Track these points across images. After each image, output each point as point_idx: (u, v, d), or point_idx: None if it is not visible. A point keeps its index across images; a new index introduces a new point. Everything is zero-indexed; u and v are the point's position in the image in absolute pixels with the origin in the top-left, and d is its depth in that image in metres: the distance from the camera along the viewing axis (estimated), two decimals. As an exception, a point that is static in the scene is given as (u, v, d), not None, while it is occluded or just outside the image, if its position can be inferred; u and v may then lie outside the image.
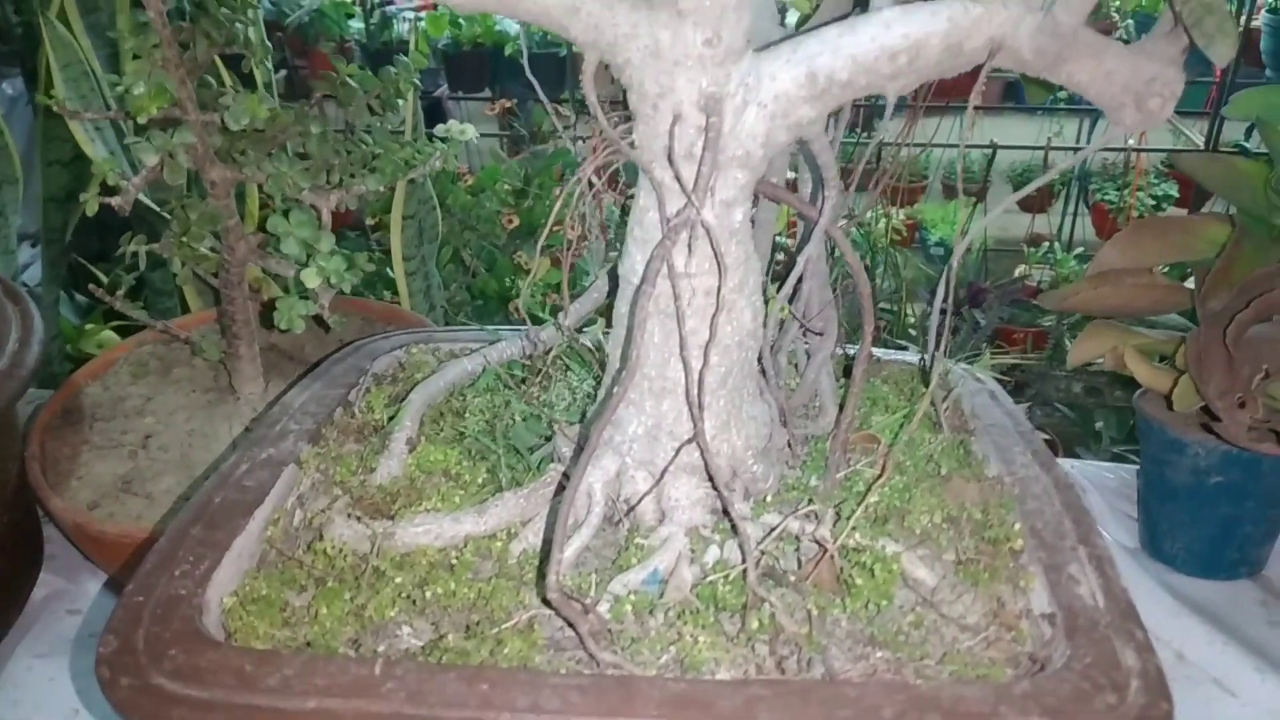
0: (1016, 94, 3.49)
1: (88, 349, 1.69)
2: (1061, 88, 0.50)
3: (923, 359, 0.73)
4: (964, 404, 0.69)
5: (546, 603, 0.48)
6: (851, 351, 0.76)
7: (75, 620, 0.80)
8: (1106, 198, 3.39)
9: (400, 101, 0.82)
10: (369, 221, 1.66)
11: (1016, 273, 2.84)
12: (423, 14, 3.66)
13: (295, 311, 0.67)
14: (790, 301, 0.62)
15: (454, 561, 0.54)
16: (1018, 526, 0.55)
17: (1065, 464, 1.02)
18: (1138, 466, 0.90)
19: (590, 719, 0.42)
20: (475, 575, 0.54)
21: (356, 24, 3.55)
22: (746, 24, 0.49)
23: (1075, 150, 3.10)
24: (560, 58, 2.93)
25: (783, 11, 0.67)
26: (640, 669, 0.46)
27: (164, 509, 0.77)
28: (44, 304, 1.57)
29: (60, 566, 0.84)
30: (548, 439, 0.63)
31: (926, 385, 0.67)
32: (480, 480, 0.60)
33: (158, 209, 1.04)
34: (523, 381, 0.68)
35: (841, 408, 0.62)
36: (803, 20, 0.72)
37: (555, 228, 0.61)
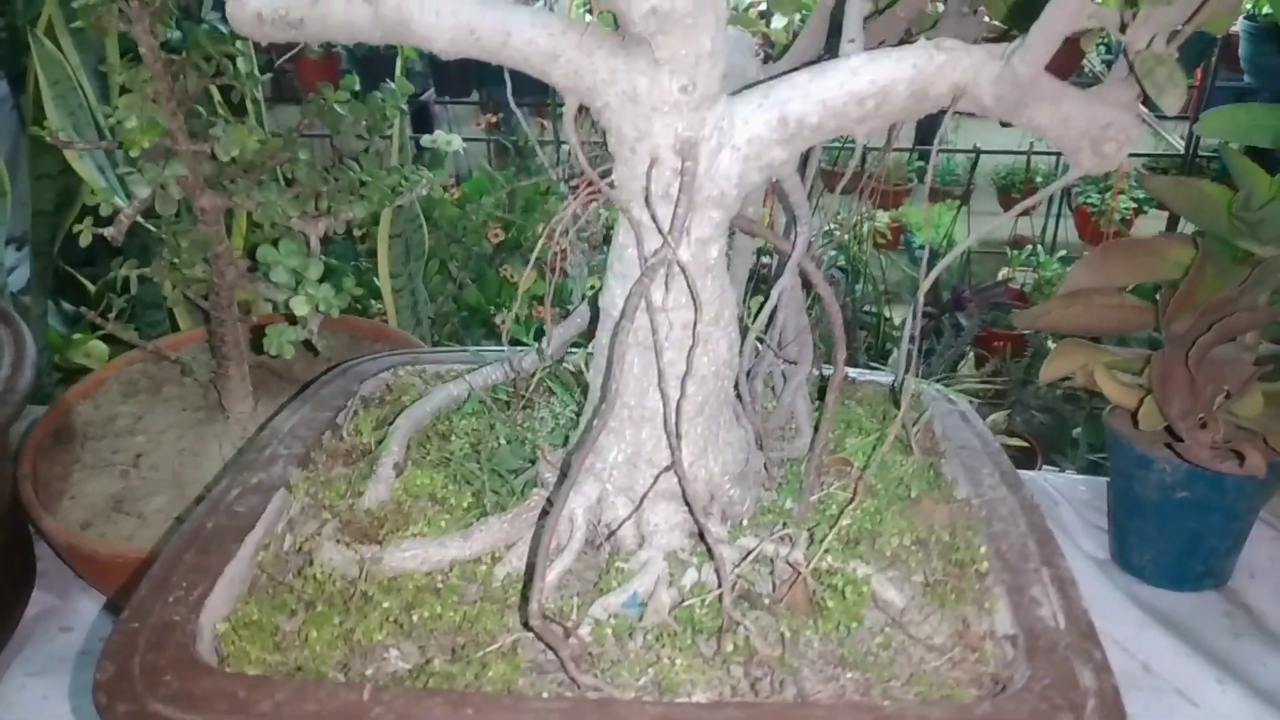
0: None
1: (75, 359, 1.70)
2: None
3: (893, 384, 0.75)
4: (935, 425, 0.71)
5: (529, 627, 0.50)
6: (829, 373, 0.78)
7: (68, 638, 0.81)
8: (1089, 201, 3.43)
9: (387, 124, 0.84)
10: (356, 231, 1.67)
11: (1000, 275, 2.87)
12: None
13: (285, 338, 0.68)
14: (766, 329, 0.64)
15: (440, 585, 0.56)
16: (983, 549, 0.57)
17: (1039, 476, 1.05)
18: (1108, 479, 0.93)
19: (571, 742, 0.44)
20: (461, 598, 0.56)
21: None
22: (721, 70, 0.51)
23: (1057, 155, 3.13)
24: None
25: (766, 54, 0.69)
26: (619, 691, 0.48)
27: (155, 528, 0.78)
28: (32, 315, 1.58)
29: (52, 584, 0.86)
30: (531, 462, 0.65)
31: (898, 407, 0.69)
32: (465, 504, 0.62)
33: (146, 224, 1.05)
34: (507, 405, 0.70)
35: (816, 430, 0.64)
36: (782, 51, 0.75)
37: (545, 248, 0.63)
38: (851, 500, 0.60)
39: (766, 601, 0.54)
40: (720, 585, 0.52)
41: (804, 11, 0.72)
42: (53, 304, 1.75)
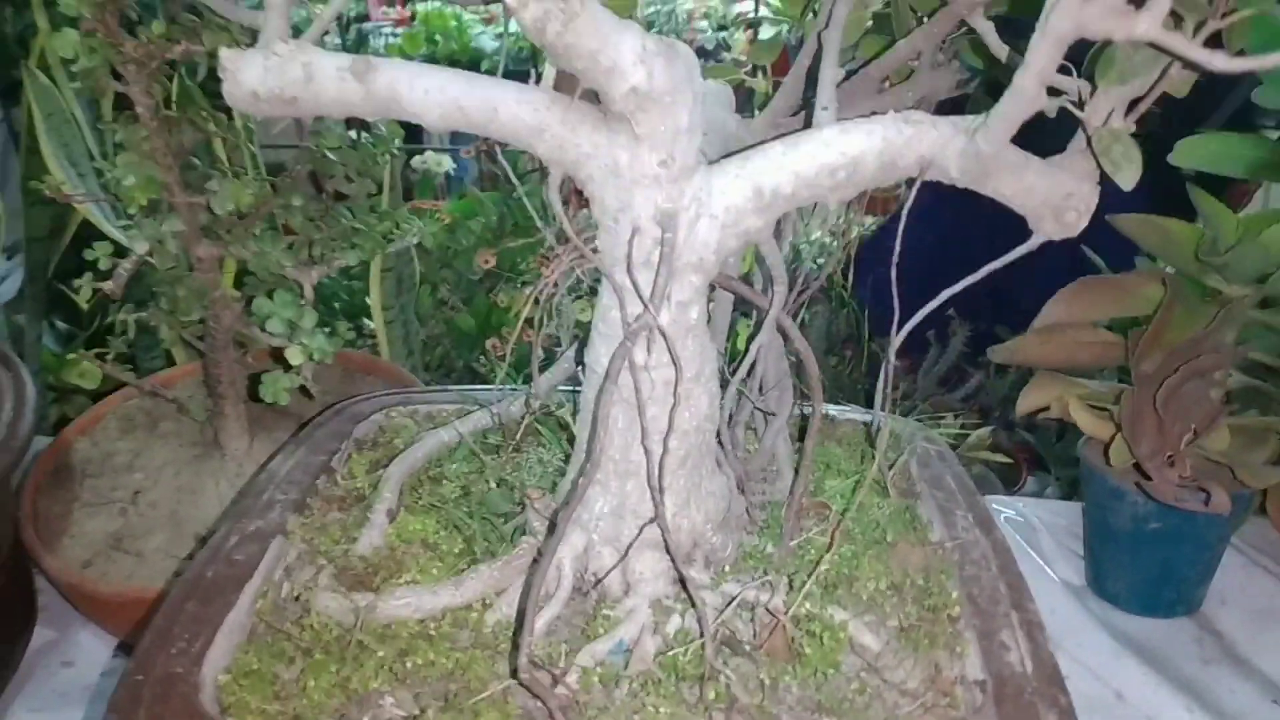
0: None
1: (69, 379, 1.71)
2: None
3: (868, 425, 0.77)
4: (912, 466, 0.73)
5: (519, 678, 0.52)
6: (828, 410, 0.81)
7: (70, 673, 0.83)
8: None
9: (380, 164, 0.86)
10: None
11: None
12: (399, 30, 3.68)
13: (280, 385, 0.70)
14: (747, 378, 0.66)
15: (433, 632, 0.58)
16: (955, 594, 0.59)
17: (1019, 503, 1.07)
18: (1084, 506, 0.95)
19: (558, 795, 0.46)
20: (453, 645, 0.58)
21: (332, 39, 3.57)
22: (698, 144, 0.53)
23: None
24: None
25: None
26: (605, 740, 0.50)
27: (154, 567, 0.80)
28: (27, 338, 1.59)
29: (52, 619, 0.87)
30: (521, 506, 0.67)
31: (876, 446, 0.72)
32: (457, 550, 0.64)
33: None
34: (496, 450, 0.72)
35: (796, 474, 0.66)
36: (763, 101, 0.77)
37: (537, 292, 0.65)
38: (830, 546, 0.62)
39: (747, 648, 0.57)
40: (702, 634, 0.54)
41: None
42: (45, 321, 1.77)
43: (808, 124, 0.61)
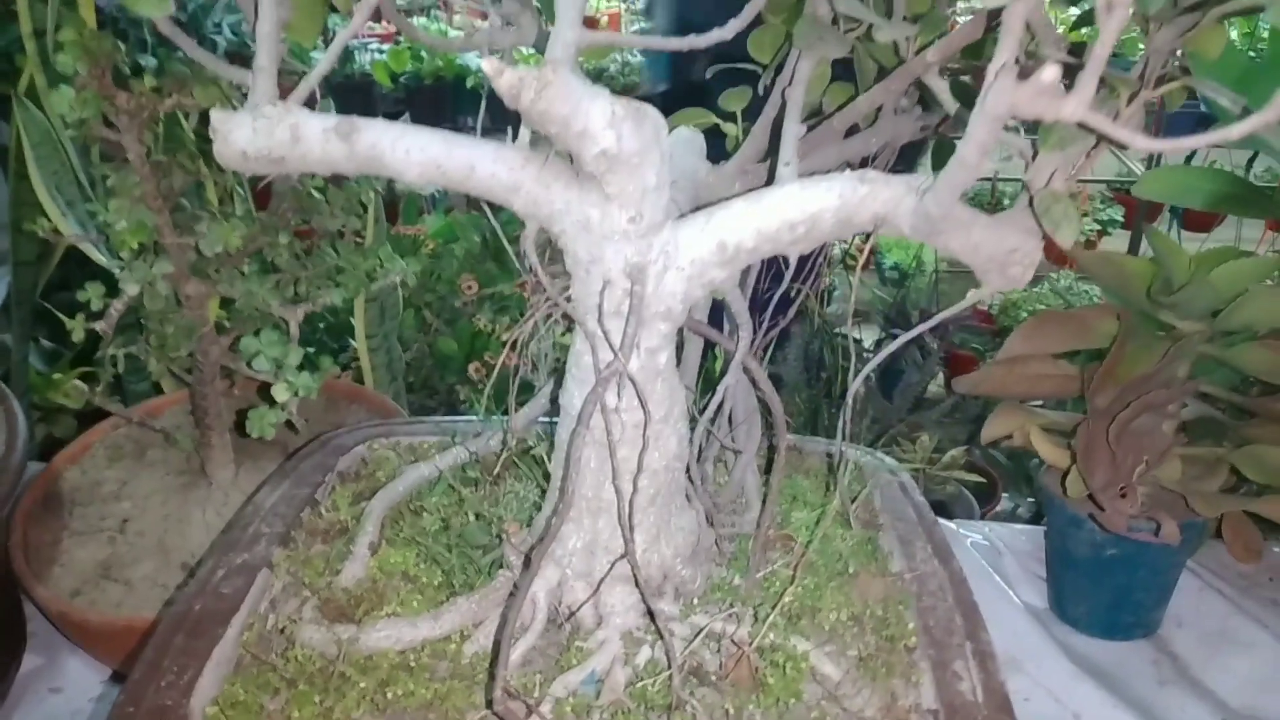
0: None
1: (55, 399, 1.72)
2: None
3: (830, 456, 0.80)
4: (875, 497, 0.76)
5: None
6: (796, 443, 0.84)
7: (58, 699, 0.85)
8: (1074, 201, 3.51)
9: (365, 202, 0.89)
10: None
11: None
12: (385, 47, 3.71)
13: (266, 421, 0.73)
14: (715, 416, 0.69)
15: (413, 663, 0.61)
16: (912, 624, 0.62)
17: (985, 528, 1.10)
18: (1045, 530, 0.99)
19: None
20: (432, 676, 0.60)
21: (318, 55, 3.59)
22: (665, 201, 0.56)
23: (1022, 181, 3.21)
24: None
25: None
26: (576, 769, 0.53)
27: (143, 595, 0.82)
28: (14, 360, 1.61)
29: (41, 645, 0.89)
30: (499, 538, 0.70)
31: (841, 477, 0.75)
32: (436, 582, 0.67)
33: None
34: (475, 483, 0.75)
35: (764, 505, 0.69)
36: (734, 145, 0.80)
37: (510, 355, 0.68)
38: (793, 578, 0.65)
39: (714, 678, 0.59)
40: (670, 665, 0.57)
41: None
42: (30, 340, 1.78)
43: (773, 171, 0.64)
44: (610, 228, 0.55)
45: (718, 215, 0.57)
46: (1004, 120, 0.44)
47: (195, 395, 0.88)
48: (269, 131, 0.53)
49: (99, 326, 0.72)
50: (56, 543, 0.87)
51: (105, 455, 0.97)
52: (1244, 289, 0.82)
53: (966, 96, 0.61)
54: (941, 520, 1.09)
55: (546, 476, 0.68)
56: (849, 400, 0.62)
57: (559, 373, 0.71)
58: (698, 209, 0.59)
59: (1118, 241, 3.34)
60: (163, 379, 0.92)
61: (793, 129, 0.62)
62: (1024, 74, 0.43)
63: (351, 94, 3.45)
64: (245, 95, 0.56)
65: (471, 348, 1.45)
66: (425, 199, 2.49)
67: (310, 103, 0.56)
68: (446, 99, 3.52)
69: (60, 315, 1.68)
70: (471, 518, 0.72)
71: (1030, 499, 1.87)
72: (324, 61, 0.55)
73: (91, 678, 0.87)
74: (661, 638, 0.58)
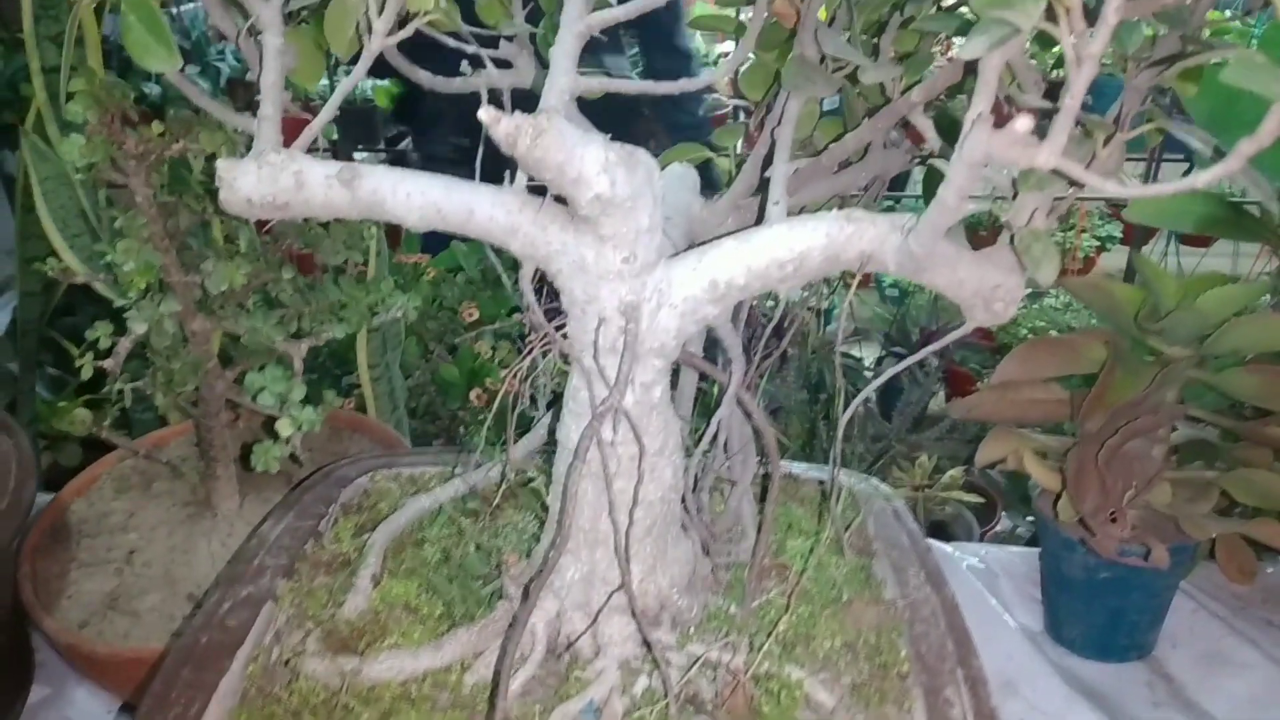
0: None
1: (61, 427, 1.74)
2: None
3: (822, 484, 0.82)
4: (869, 524, 0.78)
5: (495, 740, 0.56)
6: (792, 470, 0.85)
7: (65, 729, 0.86)
8: (1054, 239, 3.52)
9: (368, 237, 0.90)
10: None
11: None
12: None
13: (271, 455, 0.74)
14: (710, 446, 0.70)
15: (414, 694, 0.62)
16: (905, 651, 0.64)
17: (981, 550, 1.11)
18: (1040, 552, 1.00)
19: None
20: (434, 706, 0.61)
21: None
22: (658, 241, 0.57)
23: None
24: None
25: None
26: (575, 798, 0.54)
27: (149, 626, 0.84)
28: (21, 389, 1.63)
29: (49, 675, 0.90)
30: (498, 568, 0.71)
31: (835, 504, 0.76)
32: (438, 614, 0.68)
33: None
34: (475, 515, 0.76)
35: (759, 533, 0.71)
36: (727, 179, 0.82)
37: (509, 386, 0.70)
38: (788, 607, 0.66)
39: (710, 707, 0.60)
40: (667, 693, 0.58)
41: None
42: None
43: (763, 207, 0.66)
44: (605, 268, 0.56)
45: (709, 254, 0.58)
46: (980, 165, 0.46)
47: (200, 428, 0.89)
48: (273, 179, 0.55)
49: (107, 364, 0.74)
50: (64, 574, 0.89)
51: (112, 487, 0.98)
52: (1230, 315, 0.83)
53: (953, 130, 0.63)
54: (938, 543, 1.10)
55: (544, 507, 0.70)
56: (840, 431, 0.64)
57: (557, 404, 0.73)
58: (691, 244, 0.61)
59: (1117, 257, 3.35)
60: (169, 412, 0.94)
61: (781, 168, 0.64)
62: (1000, 122, 0.44)
63: (353, 119, 3.49)
64: (250, 142, 0.58)
65: (473, 374, 1.47)
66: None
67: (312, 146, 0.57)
68: (449, 121, 3.54)
69: (65, 343, 1.70)
70: (471, 549, 0.73)
71: (1030, 519, 1.88)
72: (326, 110, 0.57)
73: (99, 709, 0.88)
74: (658, 667, 0.60)
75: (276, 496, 0.93)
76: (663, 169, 0.78)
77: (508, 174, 0.59)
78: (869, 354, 2.79)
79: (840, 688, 0.62)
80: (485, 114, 0.50)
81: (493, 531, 0.74)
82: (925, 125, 0.65)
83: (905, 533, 0.77)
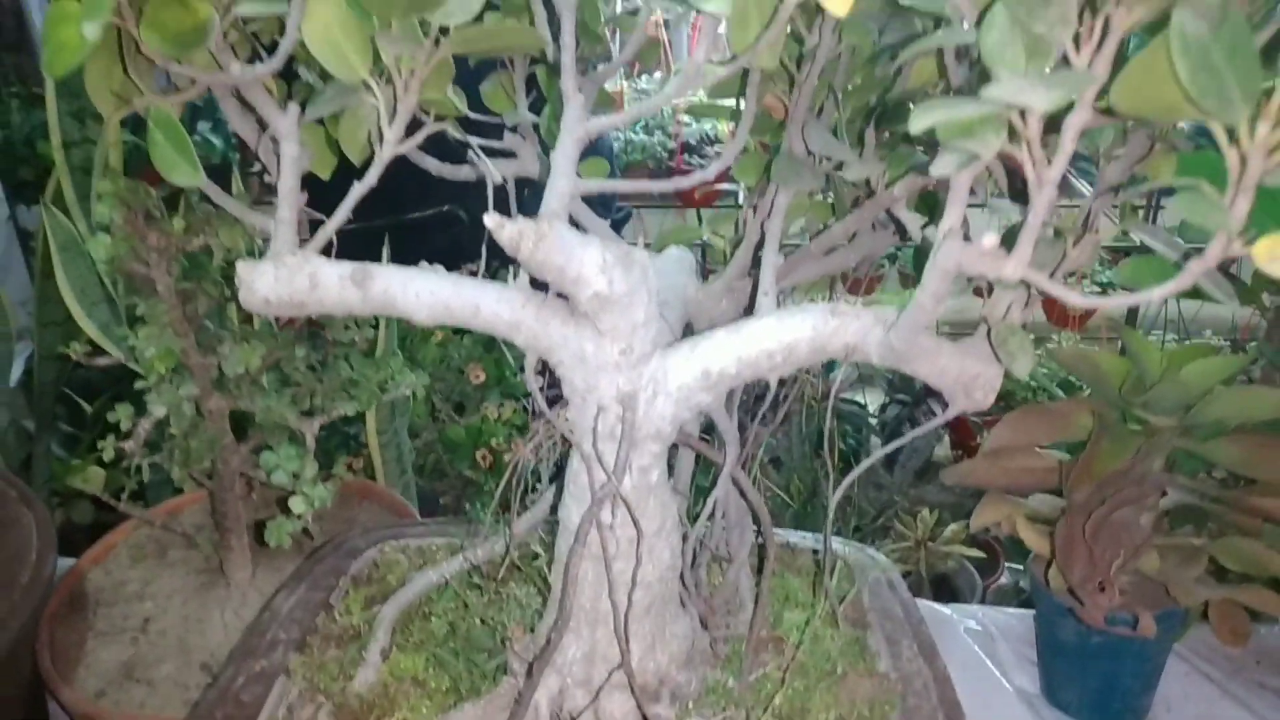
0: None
1: (74, 484, 1.77)
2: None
3: (817, 553, 0.84)
4: (864, 595, 0.80)
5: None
6: (789, 540, 0.88)
7: (80, 798, 0.88)
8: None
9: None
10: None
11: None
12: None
13: (284, 530, 0.77)
14: (709, 523, 0.73)
15: (422, 769, 0.64)
16: (897, 726, 0.66)
17: (979, 612, 1.13)
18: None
19: None
20: (441, 781, 0.64)
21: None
22: (654, 333, 0.60)
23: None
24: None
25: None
26: None
27: (164, 696, 0.86)
28: (36, 450, 1.66)
29: (64, 741, 0.92)
30: (504, 641, 0.73)
31: (830, 578, 0.78)
32: (445, 688, 0.70)
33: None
34: (480, 588, 0.78)
35: (755, 607, 0.73)
36: (720, 258, 0.85)
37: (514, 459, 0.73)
38: (783, 680, 0.68)
39: (707, 781, 0.63)
40: (665, 770, 0.60)
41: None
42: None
43: (754, 291, 0.69)
44: (603, 360, 0.59)
45: (702, 345, 0.61)
46: (953, 274, 0.49)
47: (215, 500, 0.92)
48: (290, 280, 0.58)
49: (127, 446, 0.77)
50: (81, 643, 0.91)
51: (128, 555, 1.01)
52: (1213, 386, 0.86)
53: (938, 208, 0.66)
54: (937, 605, 1.12)
55: (547, 582, 0.72)
56: (832, 507, 0.66)
57: (559, 476, 0.76)
58: (688, 324, 0.64)
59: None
60: (184, 483, 0.96)
61: (771, 259, 0.67)
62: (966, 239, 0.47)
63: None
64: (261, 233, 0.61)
65: (479, 435, 1.50)
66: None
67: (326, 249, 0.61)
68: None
69: (78, 399, 1.74)
70: (477, 622, 0.75)
71: (1022, 569, 1.89)
72: (340, 211, 0.60)
73: (113, 776, 0.90)
74: (657, 743, 0.62)
75: (288, 565, 0.96)
76: (660, 250, 0.82)
77: (510, 271, 0.63)
78: (873, 400, 2.80)
79: (834, 761, 0.64)
80: (490, 220, 0.54)
81: (497, 606, 0.76)
82: (909, 218, 0.68)
83: (899, 604, 0.79)
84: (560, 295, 0.60)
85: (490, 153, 0.75)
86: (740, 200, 0.83)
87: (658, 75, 3.18)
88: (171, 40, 0.51)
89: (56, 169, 1.40)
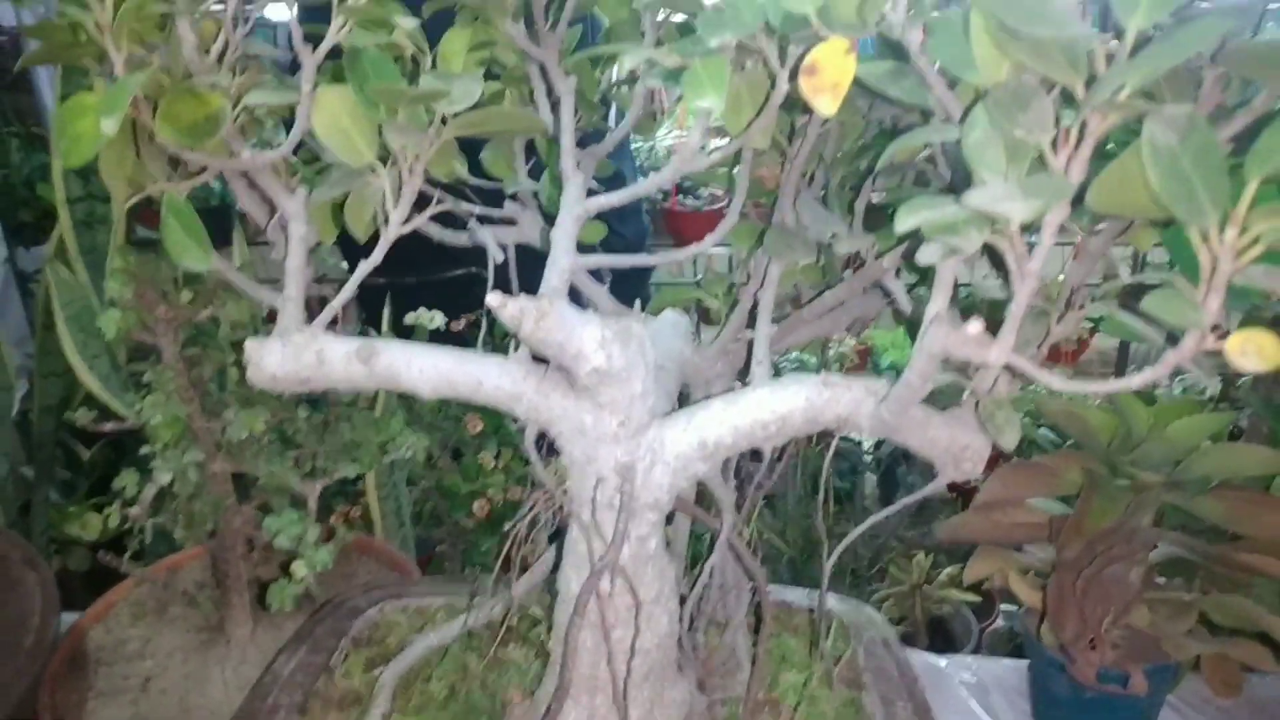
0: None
1: (71, 531, 1.78)
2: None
3: (812, 612, 0.85)
4: (859, 654, 0.81)
5: None
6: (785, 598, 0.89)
7: None
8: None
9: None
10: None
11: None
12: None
13: (286, 593, 0.78)
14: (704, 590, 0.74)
15: (424, 836, 0.65)
16: (892, 790, 0.67)
17: (973, 664, 1.13)
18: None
19: None
20: None
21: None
22: (651, 404, 0.62)
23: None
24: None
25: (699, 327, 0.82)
26: None
27: (164, 758, 0.86)
28: (35, 500, 1.67)
29: (64, 804, 0.93)
30: (503, 706, 0.74)
31: (825, 639, 0.79)
32: (446, 753, 0.71)
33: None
34: (479, 651, 0.79)
35: (752, 669, 0.74)
36: (716, 318, 0.87)
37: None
38: (780, 744, 0.69)
39: (705, 847, 0.63)
40: (664, 837, 0.61)
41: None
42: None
43: (749, 355, 0.71)
44: (602, 431, 0.61)
45: (698, 416, 0.63)
46: (939, 357, 0.51)
47: (216, 559, 0.93)
48: (297, 356, 0.60)
49: (133, 512, 0.78)
50: (83, 703, 0.91)
51: (129, 613, 1.01)
52: (1199, 442, 0.87)
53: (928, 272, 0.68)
54: (931, 656, 1.13)
55: (545, 645, 0.73)
56: (826, 577, 0.67)
57: (559, 537, 0.77)
58: (684, 386, 0.66)
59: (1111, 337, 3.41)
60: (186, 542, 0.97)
61: (764, 330, 0.69)
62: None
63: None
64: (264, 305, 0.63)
65: (476, 483, 1.50)
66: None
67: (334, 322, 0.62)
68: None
69: (75, 445, 1.74)
70: (476, 686, 0.76)
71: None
72: (349, 286, 0.62)
73: (112, 838, 0.90)
74: (656, 810, 0.63)
75: (288, 622, 0.97)
76: (657, 313, 0.84)
77: (511, 344, 0.64)
78: (869, 439, 2.81)
79: (831, 826, 0.65)
80: (494, 300, 0.55)
81: (496, 670, 0.77)
82: (897, 288, 0.70)
83: (894, 663, 0.80)
84: (560, 368, 0.61)
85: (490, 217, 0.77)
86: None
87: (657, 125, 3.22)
88: (185, 131, 0.53)
89: (60, 224, 1.42)
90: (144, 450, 0.79)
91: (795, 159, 0.69)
